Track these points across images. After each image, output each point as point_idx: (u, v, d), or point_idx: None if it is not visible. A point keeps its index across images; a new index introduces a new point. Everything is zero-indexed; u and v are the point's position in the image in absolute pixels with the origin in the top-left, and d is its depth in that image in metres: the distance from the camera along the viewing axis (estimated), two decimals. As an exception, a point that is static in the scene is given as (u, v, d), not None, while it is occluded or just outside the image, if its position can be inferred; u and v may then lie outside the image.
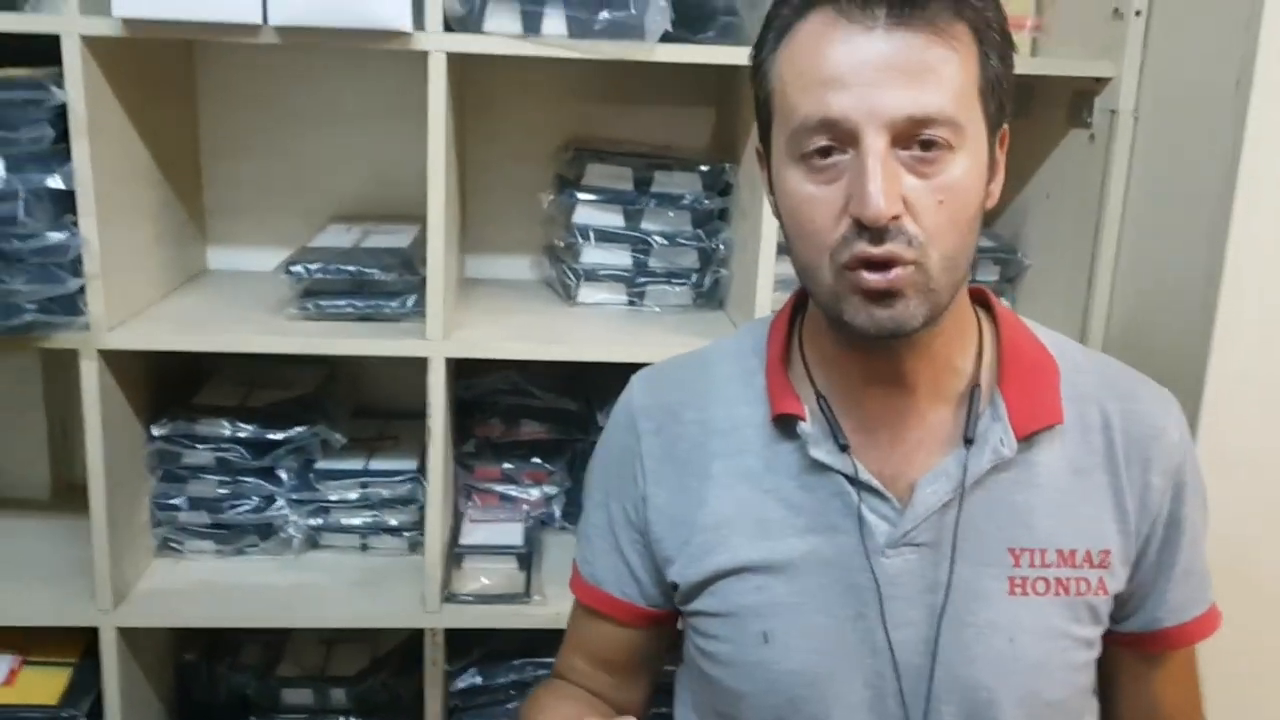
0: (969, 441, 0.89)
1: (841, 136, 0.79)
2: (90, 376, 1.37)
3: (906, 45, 0.78)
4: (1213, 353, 1.19)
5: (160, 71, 1.58)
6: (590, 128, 1.76)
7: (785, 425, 0.93)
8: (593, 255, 1.61)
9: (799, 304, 0.99)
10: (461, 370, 1.65)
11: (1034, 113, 1.60)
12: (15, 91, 1.26)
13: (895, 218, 0.78)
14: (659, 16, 1.30)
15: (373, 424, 1.76)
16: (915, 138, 0.79)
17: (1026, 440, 0.90)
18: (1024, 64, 1.47)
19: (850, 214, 0.79)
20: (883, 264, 0.79)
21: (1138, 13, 1.34)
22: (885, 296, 0.81)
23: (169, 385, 1.62)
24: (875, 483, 0.90)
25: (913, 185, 0.79)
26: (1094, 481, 0.91)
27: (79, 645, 1.52)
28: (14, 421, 1.76)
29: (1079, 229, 1.45)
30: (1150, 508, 0.92)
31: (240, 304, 1.55)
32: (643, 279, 1.61)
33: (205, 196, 1.77)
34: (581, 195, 1.59)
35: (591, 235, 1.59)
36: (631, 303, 1.63)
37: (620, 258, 1.61)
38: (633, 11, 1.29)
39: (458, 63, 1.61)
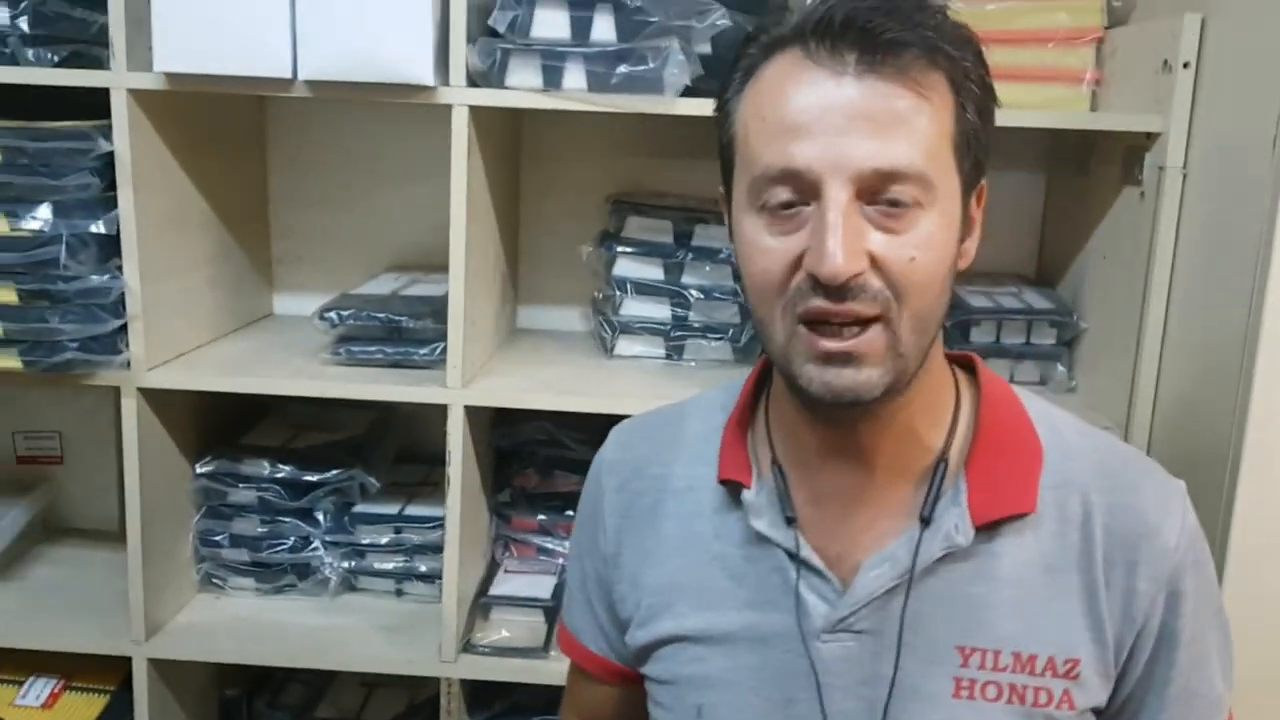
0: (925, 523, 0.82)
1: (804, 188, 0.75)
2: (130, 413, 1.43)
3: (876, 94, 0.73)
4: (1249, 428, 1.10)
5: (227, 126, 1.66)
6: (643, 182, 1.76)
7: (735, 491, 0.89)
8: (632, 308, 1.60)
9: (770, 363, 0.94)
10: (500, 419, 1.66)
11: (1092, 170, 1.53)
12: (62, 142, 1.33)
13: (857, 275, 0.73)
14: (678, 70, 1.29)
15: (419, 470, 1.78)
16: (882, 193, 0.74)
17: (988, 529, 0.82)
18: (1074, 119, 1.42)
19: (806, 269, 0.75)
20: (841, 325, 0.75)
21: (1185, 65, 1.27)
22: (843, 360, 0.75)
23: (222, 425, 1.68)
24: (815, 560, 0.85)
25: (880, 240, 0.74)
26: (1066, 581, 0.83)
27: (119, 674, 1.57)
28: (88, 456, 1.85)
29: (1130, 291, 1.37)
30: (1134, 616, 0.82)
31: (286, 349, 1.60)
32: (680, 333, 1.59)
33: (273, 245, 1.84)
34: (620, 248, 1.59)
35: (629, 288, 1.59)
36: (669, 357, 1.61)
37: (659, 311, 1.60)
38: (650, 65, 1.29)
39: (513, 118, 1.66)
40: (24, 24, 1.39)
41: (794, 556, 0.85)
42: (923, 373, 0.81)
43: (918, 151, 0.74)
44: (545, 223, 1.78)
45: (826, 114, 0.74)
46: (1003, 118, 1.30)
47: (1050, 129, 1.60)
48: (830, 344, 0.75)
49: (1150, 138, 1.33)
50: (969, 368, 0.91)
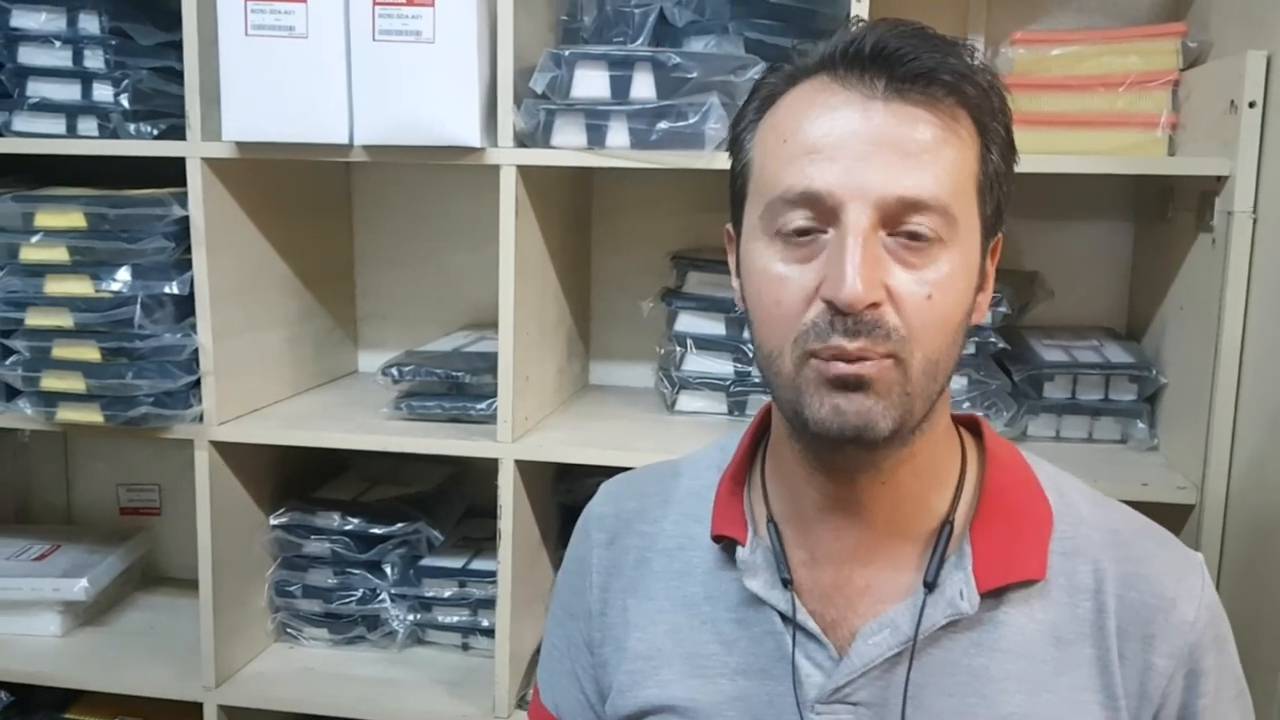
0: (929, 588, 0.78)
1: (823, 213, 0.72)
2: (202, 465, 1.50)
3: (904, 120, 0.71)
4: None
5: (312, 192, 1.73)
6: (712, 237, 1.76)
7: (729, 549, 0.85)
8: (693, 363, 1.59)
9: (768, 416, 0.90)
10: (563, 476, 1.66)
11: (1170, 217, 1.46)
12: (139, 208, 1.42)
13: (874, 306, 0.70)
14: (718, 125, 1.29)
15: (489, 524, 1.79)
16: (903, 224, 0.71)
17: (993, 596, 0.78)
18: (1132, 164, 1.36)
19: (823, 296, 0.71)
20: (855, 359, 0.71)
21: (1251, 104, 1.20)
22: (854, 384, 0.72)
23: (301, 479, 1.74)
24: (811, 624, 0.81)
25: (899, 274, 0.71)
26: (1077, 654, 0.78)
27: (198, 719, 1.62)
28: (184, 508, 1.91)
29: (1204, 344, 1.29)
30: (1151, 694, 0.77)
31: (357, 404, 1.65)
32: (740, 388, 1.57)
33: (358, 305, 1.91)
34: (680, 303, 1.59)
35: (689, 343, 1.58)
36: (731, 412, 1.59)
37: (721, 366, 1.58)
38: (690, 121, 1.29)
39: (582, 178, 1.68)
40: (125, 100, 1.50)
41: (789, 620, 0.81)
42: (928, 427, 0.77)
43: (943, 183, 0.72)
44: (616, 280, 1.80)
45: (851, 138, 0.71)
46: (1059, 164, 1.28)
47: (1129, 176, 1.56)
48: (841, 365, 0.71)
49: (1220, 181, 1.26)
50: (976, 431, 0.87)
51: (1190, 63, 1.40)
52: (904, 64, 0.72)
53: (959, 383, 1.46)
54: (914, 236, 0.71)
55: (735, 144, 0.82)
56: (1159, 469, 1.37)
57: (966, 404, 1.44)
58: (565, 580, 0.97)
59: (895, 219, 0.71)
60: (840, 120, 0.72)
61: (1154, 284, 1.53)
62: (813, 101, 0.74)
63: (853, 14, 1.29)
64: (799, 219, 0.73)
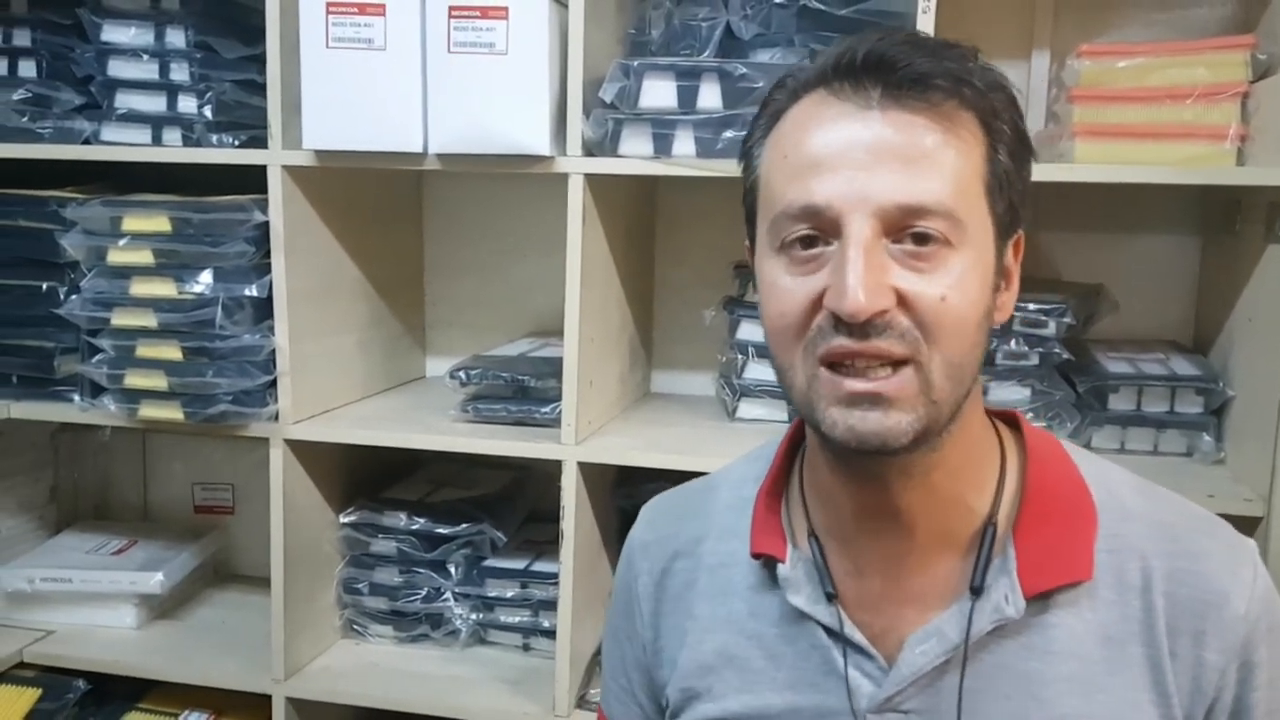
0: (975, 593, 0.78)
1: (825, 225, 0.72)
2: (276, 463, 1.54)
3: (902, 127, 0.71)
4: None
5: (385, 201, 1.79)
6: (775, 248, 1.78)
7: (770, 566, 0.86)
8: (755, 371, 1.61)
9: (803, 426, 0.90)
10: (622, 480, 1.69)
11: (1239, 229, 1.45)
12: (223, 213, 1.48)
13: (882, 312, 0.70)
14: (783, 135, 1.31)
15: (551, 528, 1.81)
16: (908, 230, 0.71)
17: (1040, 599, 0.78)
18: (1208, 174, 1.35)
19: (827, 306, 0.71)
20: (868, 366, 0.71)
21: (1321, 113, 1.20)
22: (870, 401, 0.71)
23: (370, 479, 1.78)
24: (858, 637, 0.81)
25: (909, 278, 0.71)
26: (1128, 653, 0.77)
27: (265, 713, 1.66)
28: (257, 507, 1.96)
29: (1274, 356, 1.28)
30: (1205, 690, 0.77)
31: (426, 408, 1.69)
32: (801, 397, 1.58)
33: (426, 312, 1.95)
34: (742, 312, 1.61)
35: (751, 351, 1.60)
36: (791, 420, 1.60)
37: (782, 375, 1.60)
38: (755, 130, 1.31)
39: (647, 187, 1.71)
40: (208, 112, 1.56)
41: (836, 634, 0.81)
42: (958, 429, 0.77)
43: (945, 187, 0.71)
44: (679, 290, 1.82)
45: (849, 149, 0.72)
46: (1124, 174, 1.28)
47: (1196, 189, 1.55)
48: (855, 384, 0.71)
49: (1290, 191, 1.26)
50: (1015, 425, 0.86)
51: (1260, 75, 1.39)
52: (898, 70, 0.72)
53: (1021, 393, 1.46)
54: (920, 241, 0.71)
55: (746, 160, 0.83)
56: (1225, 481, 1.36)
57: (1030, 415, 1.44)
58: (617, 604, 0.99)
59: (898, 226, 0.71)
60: (838, 132, 0.73)
61: (1221, 296, 1.52)
62: (811, 115, 0.75)
63: (917, 26, 1.31)
64: (802, 233, 0.73)
